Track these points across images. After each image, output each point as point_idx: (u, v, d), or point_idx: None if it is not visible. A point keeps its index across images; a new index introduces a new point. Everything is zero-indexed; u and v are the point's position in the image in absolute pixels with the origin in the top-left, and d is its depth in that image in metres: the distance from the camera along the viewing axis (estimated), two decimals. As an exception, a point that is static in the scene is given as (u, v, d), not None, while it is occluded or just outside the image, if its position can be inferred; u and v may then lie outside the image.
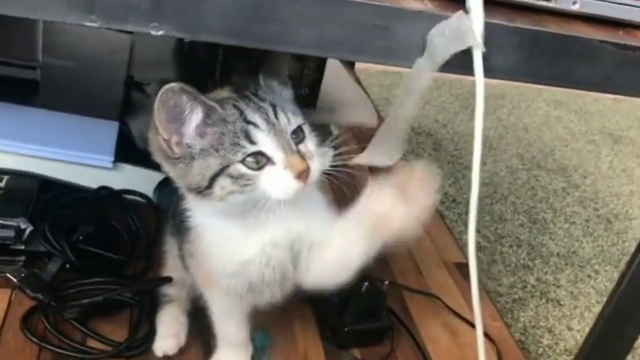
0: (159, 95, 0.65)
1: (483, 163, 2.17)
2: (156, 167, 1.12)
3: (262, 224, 0.73)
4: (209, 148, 0.68)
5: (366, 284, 0.97)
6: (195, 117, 0.68)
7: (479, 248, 1.70)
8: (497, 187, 2.03)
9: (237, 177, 0.68)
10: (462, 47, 0.56)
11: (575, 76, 0.62)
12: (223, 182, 0.68)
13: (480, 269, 1.62)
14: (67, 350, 0.88)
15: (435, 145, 2.20)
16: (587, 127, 2.62)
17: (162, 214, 1.09)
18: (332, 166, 0.72)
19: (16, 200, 1.01)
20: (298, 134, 0.71)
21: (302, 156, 0.69)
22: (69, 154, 1.07)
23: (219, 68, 1.32)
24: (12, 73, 1.18)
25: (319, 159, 0.71)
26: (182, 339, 0.93)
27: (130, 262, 1.04)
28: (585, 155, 2.39)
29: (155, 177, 1.11)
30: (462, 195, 1.92)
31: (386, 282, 0.99)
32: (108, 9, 0.50)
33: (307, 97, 1.49)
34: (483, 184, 2.01)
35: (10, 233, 0.96)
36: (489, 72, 0.58)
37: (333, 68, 1.62)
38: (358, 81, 1.92)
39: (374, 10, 0.53)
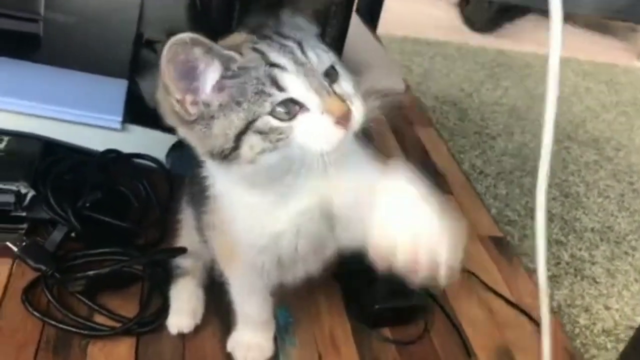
0: (165, 50, 0.56)
1: (510, 133, 2.07)
2: (169, 129, 1.04)
3: (296, 190, 0.64)
4: (230, 102, 0.59)
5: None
6: (211, 72, 0.59)
7: (509, 222, 1.61)
8: (526, 159, 1.92)
9: (267, 132, 0.58)
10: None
11: None
12: (252, 140, 0.58)
13: (511, 244, 1.53)
14: (72, 326, 0.81)
15: (461, 114, 2.10)
16: (618, 99, 2.50)
17: (175, 179, 1.01)
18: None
19: (17, 163, 0.92)
20: (331, 74, 0.61)
21: (340, 97, 0.59)
22: (73, 113, 0.98)
23: (235, 23, 1.23)
24: (12, 26, 1.09)
25: (360, 100, 0.60)
26: (199, 315, 0.85)
27: (140, 231, 0.95)
28: (617, 127, 2.27)
29: (167, 140, 1.02)
30: (490, 167, 1.82)
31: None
32: None
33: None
34: (511, 155, 1.91)
35: (10, 198, 0.88)
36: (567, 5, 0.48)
37: (356, 28, 1.51)
38: (382, 45, 1.81)
39: None
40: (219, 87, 0.59)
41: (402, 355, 0.88)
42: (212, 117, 0.59)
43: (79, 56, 1.07)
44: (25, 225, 0.90)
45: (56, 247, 0.88)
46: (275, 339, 0.85)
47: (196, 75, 0.58)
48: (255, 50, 0.59)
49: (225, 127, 0.59)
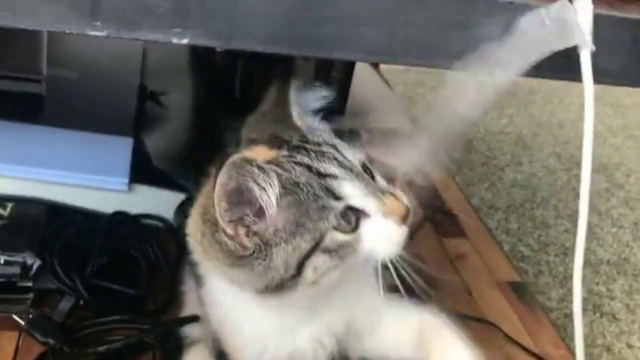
0: (220, 179, 0.50)
1: (518, 163, 2.05)
2: (176, 187, 1.02)
3: (317, 311, 0.61)
4: (290, 226, 0.54)
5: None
6: (270, 193, 0.53)
7: (522, 258, 1.58)
8: (536, 189, 1.90)
9: (335, 249, 0.53)
10: (568, 45, 0.44)
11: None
12: (317, 262, 0.54)
13: (529, 286, 1.50)
14: (82, 404, 0.78)
15: (467, 145, 2.08)
16: (625, 122, 2.49)
17: (184, 239, 0.98)
18: None
19: (22, 231, 0.90)
20: (367, 172, 0.57)
21: (394, 195, 0.56)
22: (79, 176, 0.96)
23: (240, 73, 1.21)
24: (15, 87, 1.07)
25: (403, 193, 0.58)
26: (212, 386, 0.82)
27: (150, 297, 0.93)
28: (626, 151, 2.25)
29: (175, 198, 1.00)
30: (500, 200, 1.79)
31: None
32: (117, 13, 0.39)
33: (335, 102, 1.37)
34: (521, 186, 1.89)
35: (16, 270, 0.86)
36: (596, 75, 0.46)
37: (361, 68, 1.50)
38: (385, 81, 1.80)
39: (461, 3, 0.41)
40: (276, 212, 0.54)
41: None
42: (270, 247, 0.54)
43: (82, 115, 1.06)
44: (31, 296, 0.88)
45: (64, 318, 0.85)
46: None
47: (251, 201, 0.53)
48: (298, 163, 0.55)
49: (287, 254, 0.54)
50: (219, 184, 0.50)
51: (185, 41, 0.40)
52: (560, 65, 0.44)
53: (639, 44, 0.46)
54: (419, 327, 0.64)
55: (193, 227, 0.57)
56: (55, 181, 0.95)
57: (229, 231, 0.53)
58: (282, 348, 0.64)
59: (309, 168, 0.55)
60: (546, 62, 0.44)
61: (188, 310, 0.87)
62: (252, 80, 1.16)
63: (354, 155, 0.57)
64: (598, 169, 2.08)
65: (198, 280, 0.68)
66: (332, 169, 0.55)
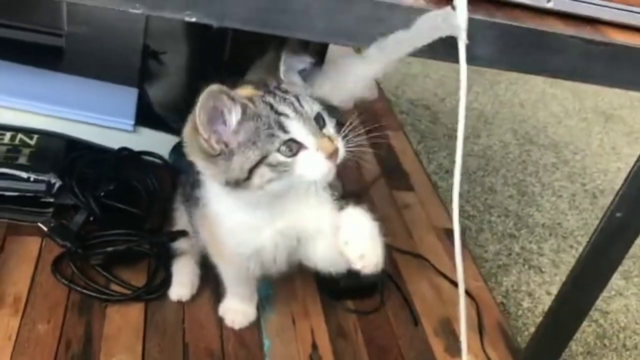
0: (201, 99, 0.71)
1: (477, 136, 2.27)
2: (172, 131, 1.23)
3: (276, 215, 0.83)
4: (247, 142, 0.75)
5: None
6: (234, 116, 0.75)
7: (469, 217, 1.81)
8: (489, 160, 2.13)
9: (275, 165, 0.75)
10: (447, 34, 0.65)
11: (547, 66, 0.72)
12: (262, 172, 0.75)
13: (468, 237, 1.73)
14: (92, 292, 1.00)
15: (433, 118, 2.29)
16: (581, 105, 2.71)
17: (177, 174, 1.20)
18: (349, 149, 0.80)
19: (46, 157, 1.11)
20: (319, 120, 0.78)
21: (330, 138, 0.77)
22: (93, 116, 1.17)
23: (228, 41, 1.41)
24: (40, 40, 1.27)
25: (342, 140, 0.78)
26: (195, 287, 1.05)
27: (148, 217, 1.14)
28: (577, 132, 2.48)
29: (171, 140, 1.21)
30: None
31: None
32: (149, -3, 0.60)
33: (314, 64, 1.57)
34: (476, 156, 2.11)
35: (42, 187, 1.07)
36: (471, 60, 0.68)
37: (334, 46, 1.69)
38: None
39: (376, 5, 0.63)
40: (238, 130, 0.75)
41: (362, 322, 1.08)
42: (232, 154, 0.75)
43: (96, 66, 1.26)
44: (52, 210, 1.09)
45: (79, 228, 1.06)
46: (258, 307, 1.04)
47: (222, 118, 0.75)
48: (264, 102, 0.77)
49: (242, 161, 0.75)
50: (200, 101, 0.72)
51: (193, 19, 0.61)
52: (445, 50, 0.66)
53: (501, 39, 0.67)
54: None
55: (186, 129, 0.78)
56: (74, 119, 1.16)
57: (205, 135, 0.73)
58: (251, 242, 0.87)
59: (271, 106, 0.76)
60: (436, 49, 0.65)
61: (178, 227, 1.09)
62: (238, 47, 1.36)
63: (310, 107, 0.79)
64: (548, 145, 2.31)
65: (195, 184, 0.89)
66: (287, 110, 0.77)
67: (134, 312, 1.00)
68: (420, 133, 2.17)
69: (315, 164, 0.76)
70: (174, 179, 1.20)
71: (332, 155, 0.76)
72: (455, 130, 2.16)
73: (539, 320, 1.54)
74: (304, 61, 0.89)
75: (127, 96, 1.24)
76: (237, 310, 1.02)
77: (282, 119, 0.76)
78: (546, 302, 1.59)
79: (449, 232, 1.37)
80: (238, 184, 0.76)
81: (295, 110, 0.77)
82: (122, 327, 0.97)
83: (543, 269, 1.70)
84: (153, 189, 1.18)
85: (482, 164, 2.08)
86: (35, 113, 1.15)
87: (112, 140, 1.20)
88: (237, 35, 1.35)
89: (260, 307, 1.05)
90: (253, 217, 0.84)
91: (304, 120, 0.76)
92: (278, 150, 0.75)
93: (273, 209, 0.83)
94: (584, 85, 2.89)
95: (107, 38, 1.28)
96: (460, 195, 1.81)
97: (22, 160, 1.08)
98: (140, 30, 1.39)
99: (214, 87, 0.72)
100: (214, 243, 0.93)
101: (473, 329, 1.13)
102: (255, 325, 1.03)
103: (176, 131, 1.20)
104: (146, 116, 1.23)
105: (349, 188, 1.40)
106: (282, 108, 0.76)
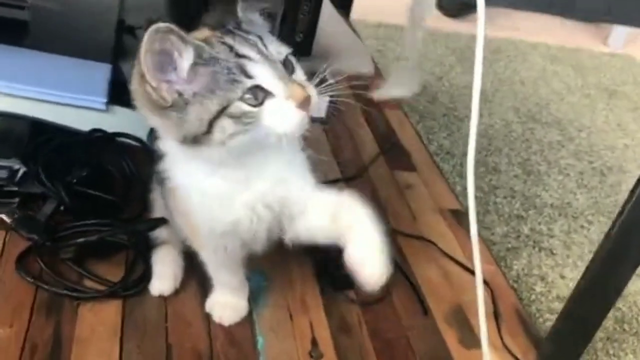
0: (145, 39, 0.62)
1: (479, 116, 2.17)
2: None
3: (249, 181, 0.73)
4: (204, 90, 0.65)
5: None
6: (186, 60, 0.65)
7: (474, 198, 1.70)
8: (492, 139, 2.02)
9: (238, 116, 0.65)
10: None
11: (577, 5, 0.61)
12: (224, 124, 0.65)
13: (462, 215, 1.63)
14: (62, 289, 0.89)
15: (431, 98, 2.19)
16: (583, 82, 2.61)
17: (156, 156, 1.08)
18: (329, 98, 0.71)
19: (8, 141, 1.00)
20: (288, 65, 0.69)
21: (300, 85, 0.67)
22: (61, 95, 1.06)
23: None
24: (1, 13, 1.15)
25: (314, 88, 0.69)
26: (179, 279, 0.94)
27: (125, 205, 1.03)
28: (581, 109, 2.37)
29: (149, 120, 1.09)
30: (457, 148, 1.91)
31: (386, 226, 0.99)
32: None
33: (302, 43, 1.46)
34: (478, 136, 2.00)
35: (3, 174, 0.96)
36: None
37: (328, 14, 1.59)
38: (354, 30, 1.89)
39: None
40: (193, 76, 0.65)
41: (366, 314, 0.98)
42: (187, 104, 0.65)
43: (65, 42, 1.14)
44: (17, 199, 0.98)
45: (47, 219, 0.95)
46: (249, 300, 0.93)
47: (172, 63, 0.65)
48: (223, 43, 0.67)
49: (200, 113, 0.65)
50: (144, 43, 0.62)
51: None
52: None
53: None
54: (336, 207, 0.76)
55: (133, 77, 0.68)
56: (40, 99, 1.04)
57: (153, 84, 0.64)
58: (224, 215, 0.76)
59: (230, 48, 0.66)
60: None
61: (157, 215, 0.97)
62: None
63: (276, 49, 0.68)
64: (552, 123, 2.20)
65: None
66: (250, 52, 0.66)
67: (110, 310, 0.89)
68: (419, 113, 2.06)
69: (284, 113, 0.66)
70: (153, 162, 1.09)
71: (304, 103, 0.66)
72: (454, 109, 2.05)
73: (553, 305, 1.44)
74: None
75: (100, 72, 1.12)
76: (225, 304, 0.91)
77: (244, 62, 0.65)
78: (560, 285, 1.49)
79: (455, 213, 1.27)
80: (197, 139, 0.67)
81: (259, 52, 0.66)
82: (96, 327, 0.86)
83: (554, 251, 1.59)
84: (130, 174, 1.07)
85: (485, 144, 1.97)
86: (-4, 93, 1.04)
87: (83, 121, 1.08)
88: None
89: (252, 300, 0.94)
90: (221, 183, 0.73)
91: (269, 64, 0.66)
92: (241, 99, 0.65)
93: (242, 170, 0.73)
94: (584, 62, 2.81)
95: (78, 11, 1.16)
96: (464, 177, 1.70)
97: (-20, 145, 0.97)
98: (115, 3, 1.27)
99: (160, 25, 0.62)
100: (187, 224, 0.83)
101: (489, 317, 1.02)
102: (247, 321, 0.92)
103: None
104: (121, 94, 1.11)
105: (346, 168, 1.30)
106: (244, 50, 0.66)
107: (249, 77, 0.65)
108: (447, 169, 1.79)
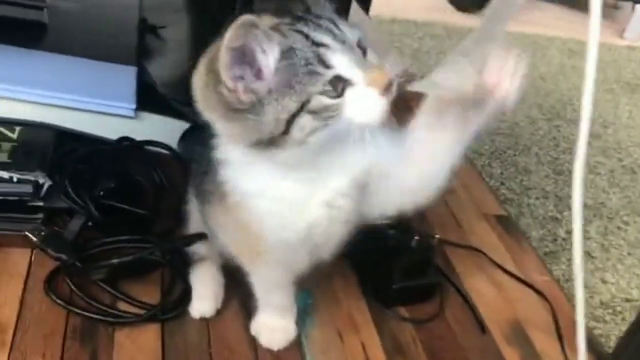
0: (227, 36, 0.54)
1: (502, 113, 2.10)
2: (180, 115, 1.04)
3: (325, 178, 0.66)
4: (281, 87, 0.58)
5: (416, 238, 0.90)
6: (271, 57, 0.58)
7: (506, 200, 1.64)
8: (518, 138, 1.96)
9: (319, 111, 0.59)
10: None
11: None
12: (303, 121, 0.59)
13: (509, 220, 1.56)
14: (96, 314, 0.81)
15: (452, 95, 2.12)
16: (604, 76, 2.55)
17: (188, 165, 1.01)
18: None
19: (32, 153, 0.92)
20: (362, 48, 0.62)
21: (379, 69, 0.60)
22: (86, 101, 0.98)
23: (238, 10, 1.22)
24: (17, 14, 1.07)
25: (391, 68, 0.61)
26: (220, 299, 0.86)
27: (156, 219, 0.96)
28: (604, 104, 2.31)
29: (179, 126, 1.02)
30: (484, 147, 1.85)
31: (436, 237, 0.92)
32: None
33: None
34: (504, 135, 1.94)
35: (28, 188, 0.88)
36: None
37: (353, 13, 1.52)
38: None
39: None
40: (274, 73, 0.59)
41: (420, 333, 0.91)
42: (263, 104, 0.59)
43: (85, 44, 1.07)
44: (41, 215, 0.90)
45: (75, 236, 0.88)
46: (296, 321, 0.86)
47: (252, 61, 0.58)
48: (296, 31, 0.59)
49: (277, 112, 0.58)
50: (226, 39, 0.54)
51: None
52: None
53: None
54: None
55: (198, 77, 0.61)
56: (63, 105, 0.97)
57: (229, 84, 0.58)
58: (300, 220, 0.68)
59: (306, 36, 0.59)
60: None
61: (193, 229, 0.90)
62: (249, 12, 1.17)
63: (350, 32, 0.61)
64: (576, 119, 2.13)
65: (210, 170, 0.71)
66: (327, 39, 0.59)
67: (149, 335, 0.81)
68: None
69: (367, 102, 0.59)
70: (185, 171, 1.02)
71: (387, 89, 0.59)
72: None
73: (597, 312, 1.37)
74: None
75: (125, 76, 1.04)
76: (274, 326, 0.83)
77: (322, 50, 0.58)
78: (602, 291, 1.43)
79: (501, 219, 1.20)
80: (272, 141, 0.60)
81: (336, 38, 0.59)
82: (136, 354, 0.78)
83: (593, 254, 1.53)
84: (161, 185, 0.99)
85: (512, 143, 1.91)
86: (16, 100, 0.96)
87: (110, 129, 1.00)
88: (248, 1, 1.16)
89: (300, 321, 0.87)
90: (294, 186, 0.66)
91: (348, 50, 0.59)
92: (321, 92, 0.58)
93: (316, 168, 0.65)
94: (602, 55, 2.73)
95: (96, 9, 1.09)
96: (494, 177, 1.63)
97: (2, 157, 0.89)
98: (135, 2, 1.20)
99: (245, 19, 0.54)
100: (243, 240, 0.74)
101: (549, 333, 0.96)
102: (296, 344, 0.84)
103: (185, 115, 1.02)
104: (148, 99, 1.04)
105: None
106: (320, 37, 0.59)
107: (329, 67, 0.58)
108: (477, 168, 1.72)
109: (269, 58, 0.58)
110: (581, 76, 2.34)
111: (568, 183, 1.78)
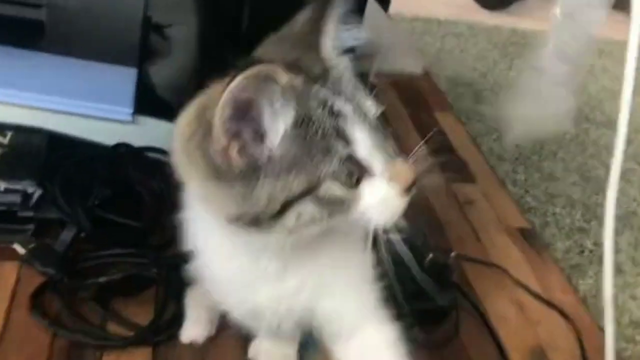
0: (233, 84, 0.44)
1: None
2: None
3: (284, 272, 0.58)
4: (288, 159, 0.48)
5: (430, 256, 0.83)
6: (282, 121, 0.48)
7: (530, 209, 1.55)
8: (544, 142, 1.86)
9: (327, 201, 0.48)
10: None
11: None
12: (303, 209, 0.48)
13: (533, 233, 1.48)
14: (84, 335, 0.76)
15: (476, 96, 2.04)
16: (636, 78, 2.44)
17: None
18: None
19: (22, 160, 0.87)
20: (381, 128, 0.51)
21: (405, 162, 0.50)
22: (81, 105, 0.93)
23: (248, 6, 1.17)
24: (13, 12, 1.02)
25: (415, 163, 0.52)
26: (215, 324, 0.80)
27: (154, 231, 0.90)
28: (636, 107, 2.19)
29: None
30: (507, 152, 1.76)
31: (452, 254, 0.85)
32: None
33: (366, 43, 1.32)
34: (528, 138, 1.85)
35: (17, 198, 0.84)
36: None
37: (372, 11, 1.45)
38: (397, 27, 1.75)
39: None
40: (283, 140, 0.48)
41: (434, 358, 0.84)
42: (257, 175, 0.48)
43: (85, 44, 1.02)
44: (32, 226, 0.86)
45: (66, 249, 0.84)
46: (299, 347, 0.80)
47: (257, 120, 0.48)
48: (315, 96, 0.49)
49: (275, 189, 0.48)
50: (232, 87, 0.45)
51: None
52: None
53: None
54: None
55: (184, 123, 0.51)
56: (58, 109, 0.92)
57: (222, 141, 0.48)
58: (242, 303, 0.62)
59: (324, 103, 0.49)
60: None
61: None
62: (260, 15, 1.11)
63: (372, 104, 0.51)
64: (606, 123, 2.04)
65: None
66: (348, 108, 0.49)
67: (139, 359, 0.76)
68: (465, 114, 1.91)
69: (385, 200, 0.50)
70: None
71: (409, 188, 0.50)
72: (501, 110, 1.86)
73: (627, 332, 1.28)
74: (357, 37, 0.57)
75: (124, 78, 0.99)
76: (272, 352, 0.77)
77: (342, 122, 0.48)
78: (632, 308, 1.34)
79: (524, 232, 1.13)
80: (256, 221, 0.49)
81: (357, 110, 0.49)
82: (124, 381, 0.73)
83: (622, 268, 1.44)
84: (159, 194, 0.94)
85: (537, 147, 1.81)
86: (8, 104, 0.91)
87: (107, 134, 0.95)
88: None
89: (302, 346, 0.81)
90: (252, 269, 0.58)
91: (369, 127, 0.49)
92: (334, 176, 0.48)
93: (287, 260, 0.56)
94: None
95: (97, 7, 1.03)
96: (518, 185, 1.54)
97: (-9, 164, 0.85)
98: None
99: (264, 69, 0.44)
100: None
101: (570, 355, 0.89)
102: (297, 370, 0.79)
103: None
104: (148, 103, 0.98)
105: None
106: (341, 105, 0.49)
107: (347, 141, 0.48)
108: (500, 175, 1.64)
109: (279, 122, 0.48)
110: (612, 78, 2.24)
111: (596, 190, 1.70)
